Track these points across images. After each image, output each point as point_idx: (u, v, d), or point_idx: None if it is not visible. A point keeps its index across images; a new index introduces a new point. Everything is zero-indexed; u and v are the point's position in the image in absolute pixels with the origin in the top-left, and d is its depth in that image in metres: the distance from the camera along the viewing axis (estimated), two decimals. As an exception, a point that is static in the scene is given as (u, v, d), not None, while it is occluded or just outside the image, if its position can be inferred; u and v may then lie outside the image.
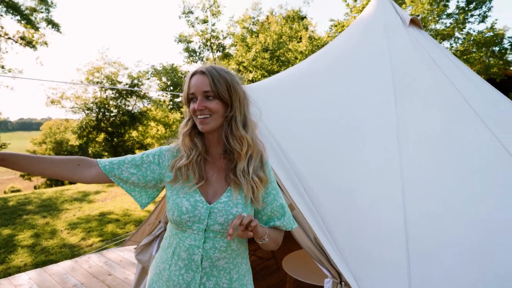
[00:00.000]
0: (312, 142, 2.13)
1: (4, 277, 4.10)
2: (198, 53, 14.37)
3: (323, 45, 14.05)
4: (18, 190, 20.72)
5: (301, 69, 2.77)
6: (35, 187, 22.64)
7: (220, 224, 1.16)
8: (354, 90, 2.34)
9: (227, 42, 16.92)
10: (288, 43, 14.77)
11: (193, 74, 1.19)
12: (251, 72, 13.58)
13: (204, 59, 14.48)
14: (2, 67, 14.57)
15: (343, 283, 1.68)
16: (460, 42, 11.21)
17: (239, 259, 1.24)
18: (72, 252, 5.34)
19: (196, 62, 14.34)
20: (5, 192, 20.83)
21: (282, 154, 2.02)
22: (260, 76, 13.46)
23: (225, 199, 1.18)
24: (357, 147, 2.05)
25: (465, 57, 10.60)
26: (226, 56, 14.55)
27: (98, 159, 1.27)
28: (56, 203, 9.66)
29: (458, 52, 10.92)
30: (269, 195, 1.25)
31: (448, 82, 2.30)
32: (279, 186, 1.93)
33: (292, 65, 13.70)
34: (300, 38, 15.36)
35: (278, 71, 13.38)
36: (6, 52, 14.13)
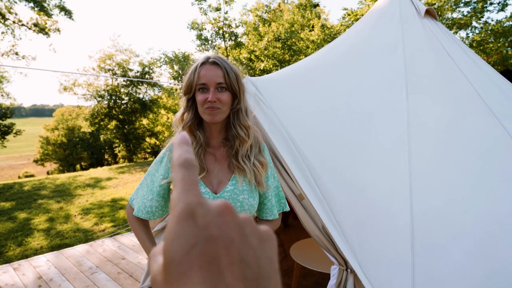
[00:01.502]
0: (323, 133, 2.15)
1: (22, 259, 4.27)
2: (210, 41, 14.30)
3: (335, 34, 13.85)
4: (32, 175, 21.23)
5: (314, 60, 2.77)
6: (48, 173, 23.15)
7: None
8: (366, 83, 2.34)
9: (240, 31, 16.82)
10: (300, 32, 14.60)
11: (203, 63, 1.18)
12: (262, 61, 13.50)
13: (216, 47, 14.41)
14: (16, 53, 14.77)
15: (349, 270, 1.73)
16: (477, 31, 10.92)
17: None
18: (86, 236, 5.51)
19: (208, 50, 14.29)
20: (19, 177, 21.37)
21: (293, 145, 2.05)
22: (271, 66, 13.38)
23: (231, 187, 1.20)
24: (368, 139, 2.06)
25: (481, 47, 10.34)
26: (238, 45, 14.45)
27: (136, 213, 1.31)
28: (69, 188, 9.90)
29: (475, 42, 10.65)
30: (269, 178, 1.30)
31: (461, 76, 2.28)
32: (289, 176, 1.97)
33: (304, 54, 13.56)
34: (312, 27, 15.16)
35: (289, 61, 13.28)
36: (20, 39, 14.28)
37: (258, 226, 0.25)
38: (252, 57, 14.08)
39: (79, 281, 3.38)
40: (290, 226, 4.58)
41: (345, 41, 2.84)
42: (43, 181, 11.46)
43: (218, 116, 1.19)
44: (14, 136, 15.39)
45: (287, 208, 1.31)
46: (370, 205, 1.86)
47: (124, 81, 17.79)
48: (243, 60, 13.86)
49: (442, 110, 2.09)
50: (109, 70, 17.68)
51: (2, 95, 15.59)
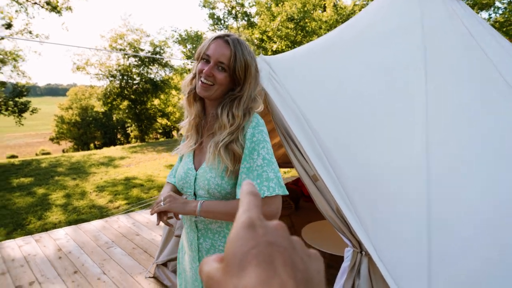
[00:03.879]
0: (337, 113, 2.13)
1: (43, 231, 4.44)
2: (222, 21, 14.08)
3: (349, 15, 13.47)
4: (48, 153, 21.73)
5: (329, 39, 2.71)
6: (63, 151, 23.66)
7: (202, 189, 1.19)
8: (383, 64, 2.30)
9: (252, 10, 16.46)
10: (312, 12, 14.23)
11: (218, 37, 1.16)
12: (275, 42, 13.27)
13: (228, 28, 14.20)
14: (30, 32, 14.85)
15: (363, 253, 1.75)
16: (500, 12, 10.46)
17: None
18: (101, 212, 5.67)
19: (220, 30, 14.09)
20: (36, 154, 21.90)
21: (307, 124, 2.04)
22: (284, 47, 13.15)
23: (204, 165, 1.20)
24: (384, 121, 2.04)
25: (504, 29, 9.93)
26: (251, 25, 14.20)
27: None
28: (84, 166, 10.13)
29: (497, 23, 10.23)
30: (243, 154, 1.14)
31: (484, 57, 2.21)
32: (303, 156, 1.97)
33: (317, 35, 13.27)
34: (324, 7, 14.75)
35: (302, 42, 13.02)
36: (33, 17, 14.32)
37: (308, 248, 0.29)
38: (265, 37, 13.85)
39: (96, 255, 3.51)
40: (301, 208, 4.61)
41: (361, 20, 2.77)
42: (59, 159, 11.75)
43: (207, 93, 1.16)
44: (31, 114, 15.68)
45: (271, 192, 1.09)
46: (384, 186, 1.86)
47: (135, 61, 17.78)
48: (255, 40, 13.64)
49: (462, 91, 2.05)
50: (120, 49, 17.67)
51: (18, 74, 15.79)
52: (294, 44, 13.16)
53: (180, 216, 1.30)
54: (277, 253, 0.25)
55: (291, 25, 13.05)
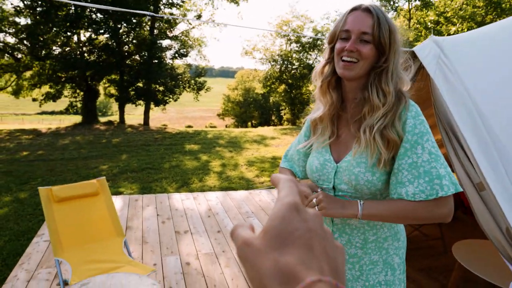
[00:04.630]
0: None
1: (201, 192, 5.24)
2: (392, 2, 12.92)
3: None
4: (214, 127, 25.41)
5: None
6: (226, 126, 27.22)
7: (345, 183, 1.07)
8: None
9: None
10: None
11: (354, 9, 1.03)
12: (454, 24, 11.30)
13: (398, 9, 12.92)
14: (213, 21, 17.40)
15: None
16: None
17: (379, 222, 1.09)
18: (248, 184, 6.25)
19: (388, 12, 13.00)
20: (206, 127, 25.92)
21: (481, 121, 1.63)
22: (466, 30, 11.05)
23: (349, 158, 1.06)
24: None
25: None
26: (426, 6, 12.50)
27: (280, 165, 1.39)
28: (240, 141, 11.36)
29: None
30: (401, 148, 0.99)
31: None
32: (468, 158, 1.59)
33: (515, 14, 10.56)
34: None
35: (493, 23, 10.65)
36: (217, 8, 16.72)
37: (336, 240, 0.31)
38: (441, 19, 11.95)
39: (237, 221, 3.89)
40: (457, 220, 3.91)
41: None
42: (222, 132, 13.57)
43: (352, 72, 1.02)
44: (205, 92, 18.60)
45: (445, 192, 0.94)
46: None
47: (296, 46, 18.48)
48: (429, 24, 11.94)
49: None
50: (284, 36, 18.66)
51: (200, 57, 18.92)
52: (480, 26, 10.88)
53: None
54: (316, 239, 0.26)
55: (480, 3, 10.77)
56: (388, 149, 1.00)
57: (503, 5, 10.53)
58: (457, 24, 11.01)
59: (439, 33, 11.61)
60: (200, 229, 3.61)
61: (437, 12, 12.00)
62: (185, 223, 3.75)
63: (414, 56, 2.06)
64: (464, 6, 11.05)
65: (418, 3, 12.50)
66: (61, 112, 20.39)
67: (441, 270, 3.02)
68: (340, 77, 1.09)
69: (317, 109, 1.19)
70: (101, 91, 17.92)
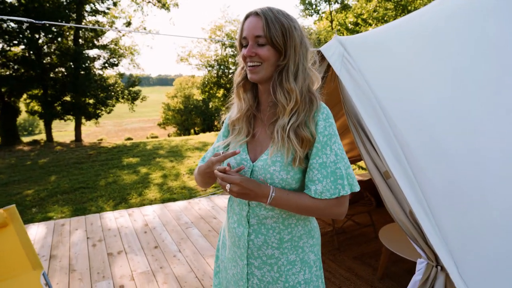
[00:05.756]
0: (423, 103, 1.77)
1: (140, 206, 4.99)
2: (314, 6, 13.60)
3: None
4: (156, 137, 24.51)
5: (422, 14, 2.28)
6: (168, 135, 26.42)
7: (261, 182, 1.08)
8: (487, 46, 1.81)
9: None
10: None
11: (247, 16, 1.07)
12: (370, 25, 12.24)
13: (320, 12, 13.65)
14: (144, 28, 16.79)
15: (439, 267, 1.43)
16: None
17: (293, 220, 1.11)
18: (190, 194, 6.10)
19: (311, 15, 13.67)
20: (147, 138, 24.92)
21: (383, 114, 1.75)
22: (381, 29, 12.03)
23: (265, 157, 1.09)
24: (483, 111, 1.61)
25: None
26: (344, 8, 13.38)
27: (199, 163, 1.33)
28: (181, 150, 11.08)
29: None
30: (313, 148, 1.04)
31: None
32: (374, 149, 1.70)
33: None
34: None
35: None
36: (147, 15, 16.19)
37: None
38: (359, 21, 12.88)
39: (175, 233, 3.76)
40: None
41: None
42: (162, 142, 13.11)
43: (258, 75, 1.06)
44: (141, 102, 17.86)
45: (346, 191, 1.03)
46: (478, 187, 1.48)
47: (231, 51, 18.58)
48: (349, 25, 12.79)
49: None
50: (218, 41, 18.65)
51: (133, 66, 18.12)
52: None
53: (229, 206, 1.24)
54: None
55: (390, 5, 11.83)
56: (302, 147, 1.03)
57: (410, 8, 11.68)
58: (373, 25, 11.96)
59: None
60: (135, 247, 3.42)
61: (355, 14, 12.91)
62: (119, 243, 3.53)
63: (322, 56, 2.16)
64: (377, 8, 12.03)
65: (338, 6, 13.34)
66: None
67: (373, 254, 3.21)
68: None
69: (235, 111, 1.22)
70: (23, 107, 16.32)
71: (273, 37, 1.01)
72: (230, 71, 19.43)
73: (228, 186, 1.01)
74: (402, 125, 1.72)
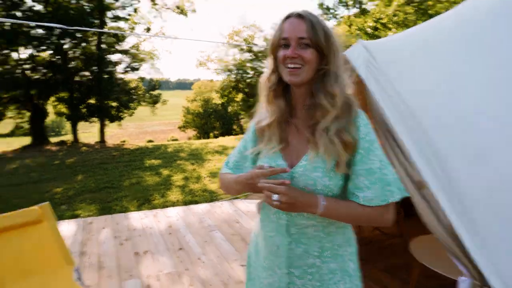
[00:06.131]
0: (457, 108, 1.73)
1: (164, 207, 5.08)
2: (333, 10, 13.51)
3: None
4: (176, 140, 24.87)
5: (449, 17, 2.23)
6: (188, 138, 26.75)
7: (301, 189, 1.05)
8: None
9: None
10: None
11: (288, 17, 1.06)
12: (390, 29, 12.03)
13: (339, 17, 13.54)
14: (163, 33, 17.14)
15: (486, 288, 1.36)
16: None
17: (333, 228, 1.09)
18: (211, 196, 6.16)
19: (329, 20, 13.56)
20: (168, 141, 25.32)
21: (413, 121, 1.72)
22: (402, 35, 11.81)
23: (304, 162, 1.06)
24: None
25: None
26: (363, 13, 13.20)
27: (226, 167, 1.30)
28: (201, 153, 11.21)
29: None
30: (357, 154, 1.02)
31: None
32: (405, 157, 1.67)
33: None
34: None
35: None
36: (166, 21, 16.54)
37: None
38: (379, 25, 12.67)
39: (199, 236, 3.80)
40: (414, 216, 4.05)
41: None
42: (182, 145, 13.31)
43: (299, 77, 1.04)
44: (162, 105, 18.20)
45: (395, 198, 1.01)
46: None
47: (250, 55, 18.72)
48: (368, 29, 12.60)
49: None
50: (236, 46, 18.83)
51: (154, 70, 18.52)
52: (415, 30, 11.65)
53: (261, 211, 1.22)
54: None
55: (410, 9, 11.58)
56: (346, 151, 1.01)
57: (431, 11, 11.39)
58: (393, 29, 11.75)
59: (378, 38, 12.31)
60: (160, 248, 3.48)
61: (374, 19, 12.73)
62: (145, 243, 3.60)
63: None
64: (397, 12, 11.81)
65: (356, 10, 13.19)
66: (7, 135, 19.00)
67: (403, 267, 3.08)
68: (287, 85, 1.12)
69: (264, 117, 1.17)
70: (51, 109, 16.93)
71: (318, 41, 1.02)
72: (248, 75, 19.55)
73: (275, 197, 0.96)
74: (434, 130, 1.68)
